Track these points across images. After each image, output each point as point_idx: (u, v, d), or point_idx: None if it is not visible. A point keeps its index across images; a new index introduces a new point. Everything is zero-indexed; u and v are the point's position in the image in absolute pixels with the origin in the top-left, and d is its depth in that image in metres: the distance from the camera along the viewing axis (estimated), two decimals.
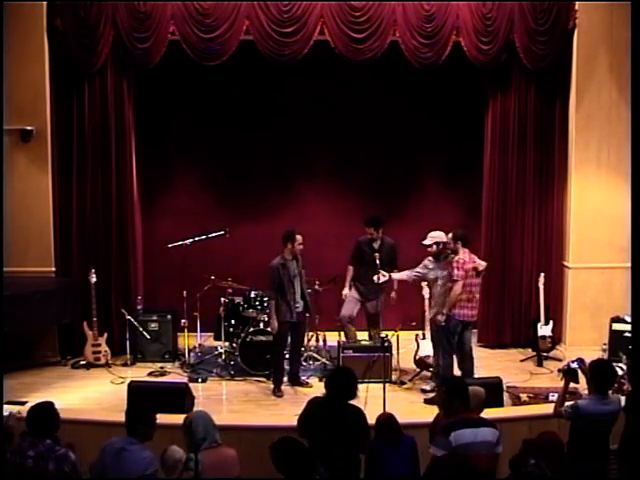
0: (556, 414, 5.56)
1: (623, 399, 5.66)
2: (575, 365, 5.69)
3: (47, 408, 4.99)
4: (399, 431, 5.34)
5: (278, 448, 4.63)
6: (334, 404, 5.24)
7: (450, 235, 7.62)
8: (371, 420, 5.39)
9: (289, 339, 8.07)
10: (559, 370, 5.80)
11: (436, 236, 7.73)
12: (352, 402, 5.39)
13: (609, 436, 5.46)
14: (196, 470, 4.75)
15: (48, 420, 4.92)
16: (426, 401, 7.50)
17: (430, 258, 7.84)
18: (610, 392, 5.50)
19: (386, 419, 5.46)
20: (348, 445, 5.18)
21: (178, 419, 5.74)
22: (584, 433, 5.34)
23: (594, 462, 5.31)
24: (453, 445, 4.85)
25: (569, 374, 5.70)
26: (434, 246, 7.72)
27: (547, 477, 4.47)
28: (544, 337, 8.83)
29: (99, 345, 8.69)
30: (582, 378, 5.70)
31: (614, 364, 6.97)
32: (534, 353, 8.82)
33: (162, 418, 5.25)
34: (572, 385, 5.83)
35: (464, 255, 7.54)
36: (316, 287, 8.58)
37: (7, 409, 6.33)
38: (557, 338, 9.06)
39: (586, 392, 5.74)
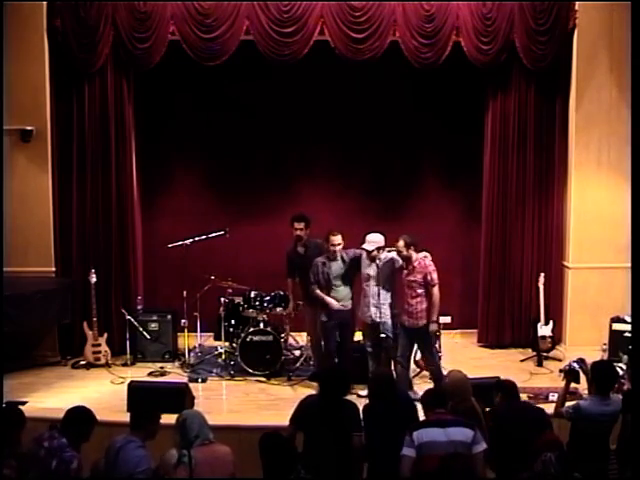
0: (557, 414, 5.56)
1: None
2: (577, 366, 5.69)
3: (85, 417, 5.01)
4: (394, 389, 5.47)
5: (262, 441, 4.77)
6: (329, 401, 5.27)
7: (401, 243, 7.40)
8: None
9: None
10: (560, 370, 5.82)
11: (378, 241, 7.59)
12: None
13: (609, 436, 5.46)
14: (190, 465, 4.80)
15: (80, 427, 4.96)
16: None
17: (364, 256, 7.72)
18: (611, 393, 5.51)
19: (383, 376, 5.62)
20: (344, 440, 5.22)
21: None
22: (585, 434, 5.35)
23: (594, 462, 5.31)
24: (416, 444, 4.83)
25: (570, 374, 5.70)
26: (375, 251, 7.57)
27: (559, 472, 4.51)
28: (544, 337, 8.83)
29: (99, 345, 8.68)
30: (583, 378, 5.70)
31: (614, 364, 7.00)
32: (534, 353, 8.82)
33: (162, 418, 5.25)
34: (572, 385, 5.84)
35: (427, 258, 7.51)
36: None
37: None
38: (557, 338, 9.06)
39: (586, 392, 5.74)
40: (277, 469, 4.68)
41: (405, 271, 7.51)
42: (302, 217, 8.13)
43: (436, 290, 7.39)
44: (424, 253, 7.56)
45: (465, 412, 5.24)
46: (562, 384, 5.82)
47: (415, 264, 7.43)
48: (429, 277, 7.38)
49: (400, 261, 7.55)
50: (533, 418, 5.46)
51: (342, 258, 7.81)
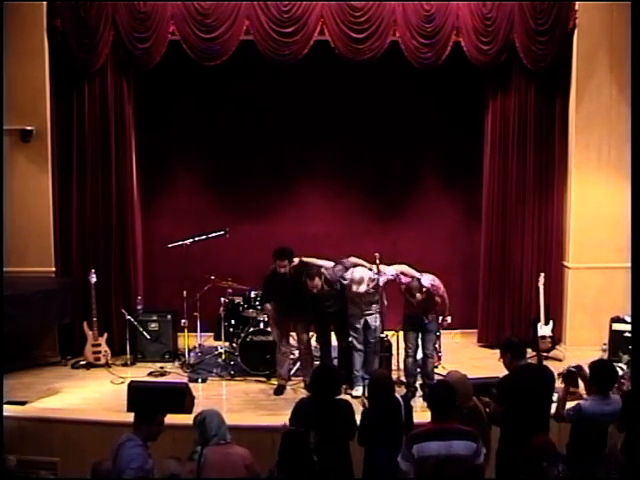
0: (558, 417, 5.53)
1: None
2: (574, 369, 5.71)
3: None
4: (390, 391, 5.48)
5: (286, 435, 4.79)
6: (321, 403, 5.28)
7: (419, 296, 7.43)
8: None
9: None
10: (559, 374, 5.86)
11: (367, 278, 7.64)
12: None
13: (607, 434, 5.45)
14: (199, 462, 4.81)
15: None
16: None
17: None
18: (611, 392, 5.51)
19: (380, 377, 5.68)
20: (339, 440, 5.24)
21: (178, 419, 5.78)
22: (585, 434, 5.33)
23: (595, 462, 5.31)
24: (416, 457, 4.69)
25: (568, 377, 5.71)
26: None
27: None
28: (544, 337, 8.83)
29: (99, 345, 8.68)
30: (581, 384, 5.71)
31: (614, 364, 7.00)
32: (534, 353, 8.80)
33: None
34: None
35: (435, 281, 7.69)
36: None
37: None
38: (557, 338, 9.06)
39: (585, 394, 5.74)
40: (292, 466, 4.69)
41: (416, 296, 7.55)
42: (284, 253, 7.68)
43: (446, 296, 7.66)
44: (431, 277, 7.65)
45: (468, 412, 5.24)
46: (561, 386, 5.82)
47: (428, 290, 7.54)
48: (438, 295, 7.58)
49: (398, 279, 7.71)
50: (546, 378, 5.61)
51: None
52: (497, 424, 5.54)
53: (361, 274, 7.65)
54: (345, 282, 7.69)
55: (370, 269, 7.70)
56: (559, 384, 5.79)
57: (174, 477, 4.95)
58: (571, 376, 5.69)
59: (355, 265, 7.77)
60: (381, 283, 7.66)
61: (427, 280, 7.55)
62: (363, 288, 7.62)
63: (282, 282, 7.75)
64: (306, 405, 5.50)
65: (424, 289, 7.43)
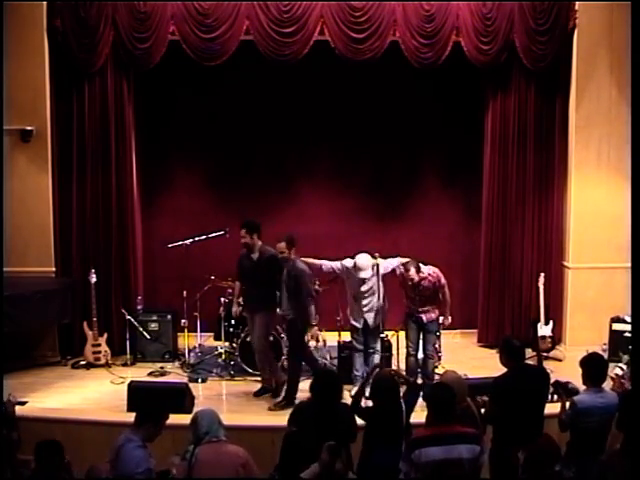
0: (561, 426, 5.51)
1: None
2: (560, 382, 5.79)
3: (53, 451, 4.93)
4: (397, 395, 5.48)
5: (288, 436, 4.84)
6: (322, 408, 5.27)
7: (413, 272, 7.52)
8: None
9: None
10: (551, 393, 5.98)
11: (370, 264, 7.62)
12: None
13: (607, 431, 5.44)
14: (190, 461, 4.81)
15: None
16: None
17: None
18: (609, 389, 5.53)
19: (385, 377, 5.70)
20: (340, 443, 5.22)
21: (178, 419, 5.77)
22: (583, 429, 5.34)
23: (594, 459, 5.31)
24: (417, 462, 4.65)
25: (559, 390, 5.77)
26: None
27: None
28: (544, 337, 8.84)
29: (99, 345, 8.68)
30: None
31: (615, 364, 7.02)
32: (534, 353, 8.80)
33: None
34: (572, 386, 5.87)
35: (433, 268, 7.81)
36: (316, 287, 8.56)
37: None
38: (557, 338, 9.07)
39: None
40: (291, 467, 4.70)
41: (417, 287, 7.68)
42: (245, 224, 7.63)
43: (447, 290, 7.78)
44: (433, 268, 7.77)
45: (461, 412, 5.23)
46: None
47: (426, 280, 7.67)
48: (438, 284, 7.71)
49: (399, 270, 7.79)
50: (540, 379, 5.66)
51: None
52: (491, 423, 5.55)
53: (364, 260, 7.61)
54: (349, 267, 7.71)
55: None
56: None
57: (165, 474, 4.96)
58: (561, 388, 5.73)
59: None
60: (382, 270, 7.66)
61: (427, 269, 7.67)
62: (368, 274, 7.60)
63: (248, 264, 7.73)
64: (306, 407, 5.49)
65: (421, 272, 7.58)
